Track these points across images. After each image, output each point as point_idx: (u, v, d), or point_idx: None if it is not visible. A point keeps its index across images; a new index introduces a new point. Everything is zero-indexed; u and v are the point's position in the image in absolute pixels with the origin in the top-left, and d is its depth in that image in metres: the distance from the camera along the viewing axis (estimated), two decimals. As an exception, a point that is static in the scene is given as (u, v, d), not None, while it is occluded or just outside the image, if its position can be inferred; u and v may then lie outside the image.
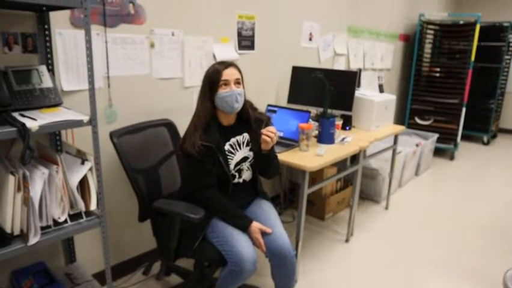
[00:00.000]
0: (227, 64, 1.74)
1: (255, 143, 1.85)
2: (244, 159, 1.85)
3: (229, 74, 1.71)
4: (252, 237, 1.73)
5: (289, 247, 1.75)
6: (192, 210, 1.63)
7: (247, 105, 1.84)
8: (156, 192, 1.94)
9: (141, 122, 1.98)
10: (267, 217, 1.84)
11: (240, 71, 1.77)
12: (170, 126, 2.08)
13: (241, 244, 1.66)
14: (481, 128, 5.68)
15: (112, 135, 1.79)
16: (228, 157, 1.79)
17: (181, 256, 1.78)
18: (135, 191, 1.81)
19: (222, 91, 1.70)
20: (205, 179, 1.75)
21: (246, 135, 1.86)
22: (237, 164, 1.82)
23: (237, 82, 1.73)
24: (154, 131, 2.01)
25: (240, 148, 1.84)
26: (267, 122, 1.90)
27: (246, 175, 1.87)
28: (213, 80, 1.71)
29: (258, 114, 1.91)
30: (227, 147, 1.79)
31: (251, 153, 1.87)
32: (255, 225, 1.74)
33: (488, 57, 5.42)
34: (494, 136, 6.25)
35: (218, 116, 1.80)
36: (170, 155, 2.05)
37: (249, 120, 1.85)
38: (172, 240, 1.71)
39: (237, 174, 1.83)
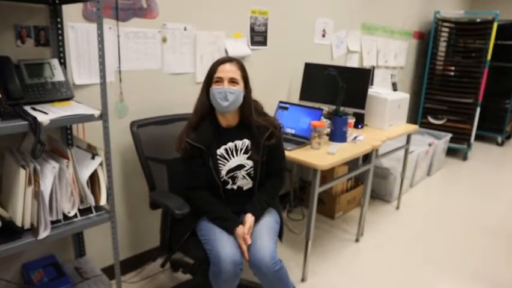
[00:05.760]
0: (225, 60, 1.67)
1: (254, 151, 1.72)
2: (239, 167, 1.72)
3: (223, 71, 1.63)
4: (238, 241, 1.62)
5: (269, 262, 1.54)
6: (179, 205, 1.61)
7: (250, 109, 1.70)
8: (178, 185, 1.91)
9: (168, 115, 1.99)
10: (256, 225, 1.69)
11: (241, 70, 1.67)
12: None
13: (222, 244, 1.58)
14: (496, 128, 5.57)
15: (132, 124, 1.81)
16: (220, 162, 1.69)
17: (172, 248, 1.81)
18: (147, 179, 1.81)
19: (215, 87, 1.64)
20: (193, 180, 1.70)
21: (246, 141, 1.72)
22: (230, 171, 1.71)
23: (232, 81, 1.63)
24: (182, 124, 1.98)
25: (237, 155, 1.72)
26: (273, 132, 1.72)
27: (242, 183, 1.75)
28: (209, 75, 1.68)
29: (264, 121, 1.73)
30: (221, 151, 1.69)
31: (249, 162, 1.72)
32: (241, 230, 1.62)
33: (505, 56, 5.30)
34: (508, 137, 6.12)
35: (217, 116, 1.72)
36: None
37: (250, 125, 1.71)
38: (165, 231, 1.74)
39: (230, 180, 1.73)
